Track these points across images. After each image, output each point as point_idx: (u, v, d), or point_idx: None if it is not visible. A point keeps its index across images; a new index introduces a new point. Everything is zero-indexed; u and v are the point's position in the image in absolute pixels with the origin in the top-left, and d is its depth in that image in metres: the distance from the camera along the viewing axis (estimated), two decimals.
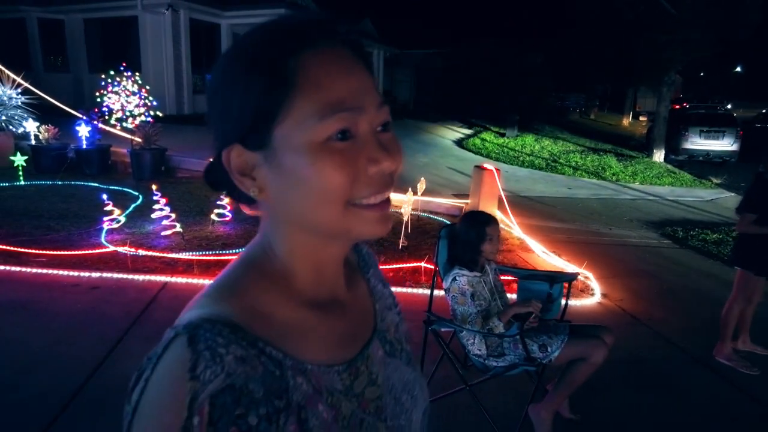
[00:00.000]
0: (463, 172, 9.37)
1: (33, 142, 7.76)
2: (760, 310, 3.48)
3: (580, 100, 30.65)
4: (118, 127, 8.20)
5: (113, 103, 8.16)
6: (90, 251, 4.44)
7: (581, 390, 2.41)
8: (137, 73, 8.98)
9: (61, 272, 4.05)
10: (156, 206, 5.06)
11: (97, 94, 8.25)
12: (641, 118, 28.46)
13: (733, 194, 10.15)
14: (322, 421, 0.51)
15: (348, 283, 0.64)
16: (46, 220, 5.32)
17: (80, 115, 7.74)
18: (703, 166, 13.87)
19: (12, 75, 8.30)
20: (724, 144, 14.07)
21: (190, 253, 4.41)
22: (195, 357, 0.45)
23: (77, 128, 7.51)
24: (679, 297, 4.51)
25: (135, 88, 8.35)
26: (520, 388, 2.74)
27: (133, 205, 5.96)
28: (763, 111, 19.65)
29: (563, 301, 2.69)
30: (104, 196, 5.09)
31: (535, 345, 2.35)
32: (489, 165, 6.50)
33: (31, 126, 7.75)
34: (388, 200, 0.53)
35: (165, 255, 4.42)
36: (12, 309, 3.47)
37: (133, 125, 7.93)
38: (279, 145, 0.50)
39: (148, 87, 8.76)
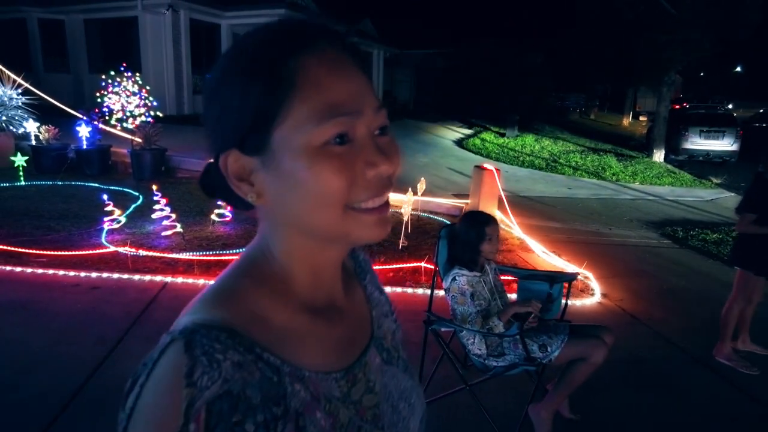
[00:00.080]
0: (463, 173, 9.37)
1: (33, 142, 7.78)
2: (759, 310, 3.48)
3: (580, 100, 30.66)
4: (119, 128, 8.21)
5: (114, 104, 8.16)
6: (90, 251, 4.44)
7: (581, 390, 2.41)
8: (137, 74, 8.99)
9: (61, 272, 4.06)
10: (156, 206, 5.07)
11: (98, 94, 8.25)
12: (641, 118, 28.46)
13: (733, 194, 10.15)
14: (320, 429, 0.50)
15: (345, 289, 0.63)
16: (46, 221, 5.33)
17: (80, 116, 7.75)
18: (703, 166, 13.87)
19: (12, 75, 8.31)
20: (724, 144, 14.07)
21: (191, 254, 4.42)
22: (192, 363, 0.44)
23: (77, 128, 7.52)
24: (679, 297, 4.51)
25: (135, 89, 8.36)
26: (520, 387, 2.74)
27: (133, 206, 5.96)
28: (761, 111, 19.63)
29: (563, 301, 2.70)
30: (105, 197, 5.10)
31: (535, 345, 2.36)
32: (489, 165, 6.50)
33: (31, 126, 7.76)
34: (386, 203, 0.53)
35: (165, 255, 4.42)
36: (12, 309, 3.48)
37: (134, 125, 7.94)
38: (277, 149, 0.49)
39: (148, 87, 8.76)
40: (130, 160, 7.55)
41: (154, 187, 5.17)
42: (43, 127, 7.72)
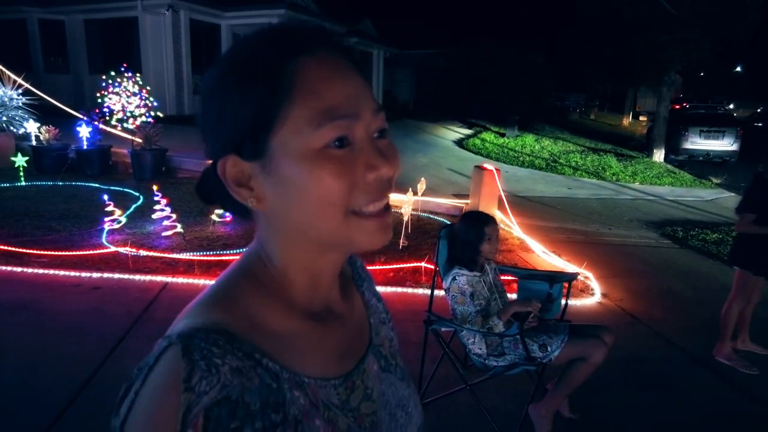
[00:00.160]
0: (464, 173, 9.38)
1: (34, 142, 7.78)
2: (759, 309, 3.49)
3: (580, 100, 30.66)
4: (119, 128, 8.22)
5: (114, 104, 8.17)
6: (91, 251, 4.45)
7: (581, 389, 2.42)
8: (138, 74, 9.00)
9: (62, 272, 4.06)
10: (157, 207, 5.08)
11: (98, 94, 8.26)
12: (641, 118, 28.46)
13: (733, 194, 10.15)
14: None
15: (343, 295, 0.63)
16: (47, 221, 5.33)
17: (81, 116, 7.76)
18: (703, 166, 13.87)
19: (13, 76, 8.32)
20: (724, 144, 14.07)
21: (191, 254, 4.42)
22: (190, 367, 0.43)
23: (78, 129, 7.53)
24: (679, 297, 4.52)
25: (136, 89, 8.37)
26: (520, 387, 2.75)
27: (134, 206, 5.97)
28: (758, 110, 19.62)
29: (563, 301, 2.70)
30: (105, 197, 5.11)
31: (535, 344, 2.36)
32: (489, 165, 6.51)
33: (31, 127, 7.76)
34: (388, 207, 0.53)
35: (166, 255, 4.43)
36: (13, 309, 3.48)
37: (134, 126, 7.94)
38: (275, 153, 0.49)
39: (148, 88, 8.77)
40: (130, 160, 7.56)
41: (155, 188, 5.18)
42: (44, 127, 7.72)
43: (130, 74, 8.39)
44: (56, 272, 4.06)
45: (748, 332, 3.51)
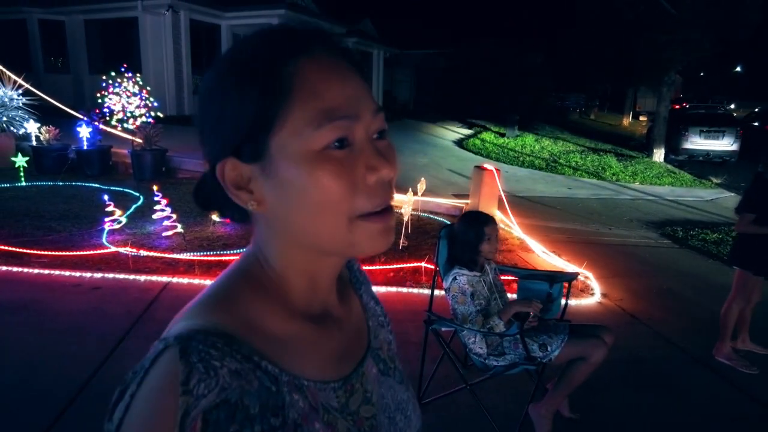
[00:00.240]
0: (463, 173, 9.38)
1: (34, 143, 7.78)
2: (759, 309, 3.49)
3: (580, 100, 30.66)
4: (119, 128, 8.22)
5: (114, 104, 8.17)
6: (91, 252, 4.45)
7: (581, 389, 2.42)
8: (138, 74, 9.00)
9: (62, 273, 4.06)
10: (157, 207, 5.08)
11: (99, 95, 8.27)
12: (641, 118, 28.46)
13: (733, 194, 10.16)
14: None
15: (341, 298, 0.62)
16: (47, 221, 5.34)
17: (81, 116, 7.76)
18: (703, 166, 13.88)
19: (13, 76, 8.32)
20: (724, 144, 14.08)
21: (191, 254, 4.43)
22: (188, 370, 0.43)
23: (78, 129, 7.53)
24: (678, 297, 4.52)
25: (136, 89, 8.37)
26: (520, 387, 2.75)
27: (134, 206, 5.97)
28: (755, 110, 19.60)
29: (563, 301, 2.71)
30: (105, 197, 5.11)
31: (535, 344, 2.36)
32: (489, 165, 6.51)
33: (32, 127, 7.76)
34: (390, 209, 0.52)
35: (166, 255, 4.43)
36: (14, 309, 3.49)
37: (134, 126, 7.95)
38: (275, 155, 0.48)
39: (148, 88, 8.77)
40: (130, 160, 7.56)
41: (155, 188, 5.18)
42: (44, 127, 7.72)
43: (130, 74, 8.40)
44: (56, 272, 4.06)
45: (748, 332, 3.51)
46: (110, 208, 5.03)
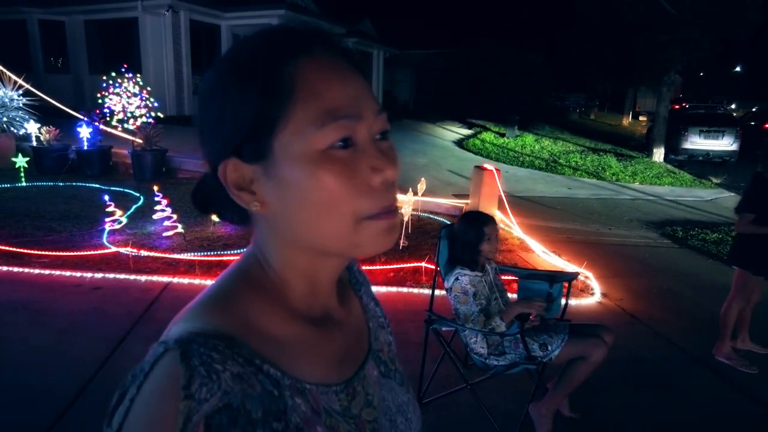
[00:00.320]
0: (463, 174, 9.38)
1: (34, 143, 7.79)
2: (758, 309, 3.49)
3: (580, 100, 30.65)
4: (120, 129, 8.22)
5: (115, 105, 8.18)
6: (92, 252, 4.46)
7: (581, 389, 2.42)
8: (138, 75, 9.01)
9: (63, 273, 4.07)
10: (157, 207, 5.08)
11: (99, 95, 8.27)
12: (641, 118, 28.46)
13: (732, 194, 10.16)
14: None
15: (341, 300, 0.62)
16: (48, 221, 5.34)
17: (81, 117, 7.77)
18: (702, 166, 13.88)
19: (13, 76, 8.33)
20: (724, 144, 14.08)
21: (192, 254, 4.43)
22: (189, 373, 0.42)
23: (78, 129, 7.54)
24: (678, 297, 4.52)
25: (136, 90, 8.38)
26: (520, 386, 2.76)
27: (134, 206, 5.98)
28: (753, 110, 19.60)
29: (563, 301, 2.71)
30: (106, 197, 5.11)
31: (535, 344, 2.37)
32: (489, 165, 6.52)
33: (32, 127, 7.77)
34: (395, 210, 0.51)
35: (167, 255, 4.44)
36: (14, 309, 3.49)
37: (135, 126, 7.95)
38: (278, 156, 0.48)
39: (149, 88, 8.78)
40: (131, 160, 7.56)
41: (155, 188, 5.18)
42: (44, 128, 7.73)
43: (130, 75, 8.40)
44: (57, 272, 4.07)
45: (748, 331, 3.52)
46: (111, 209, 5.03)
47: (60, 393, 2.59)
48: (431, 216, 6.44)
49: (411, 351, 2.96)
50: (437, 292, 2.71)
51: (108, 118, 8.19)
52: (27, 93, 8.46)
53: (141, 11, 12.62)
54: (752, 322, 3.50)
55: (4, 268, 4.08)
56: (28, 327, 3.27)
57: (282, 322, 0.52)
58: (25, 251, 4.36)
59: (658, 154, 14.37)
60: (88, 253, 4.43)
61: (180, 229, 4.96)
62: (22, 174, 7.00)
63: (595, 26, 15.97)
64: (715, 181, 11.90)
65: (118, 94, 8.20)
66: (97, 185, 7.02)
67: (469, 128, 17.82)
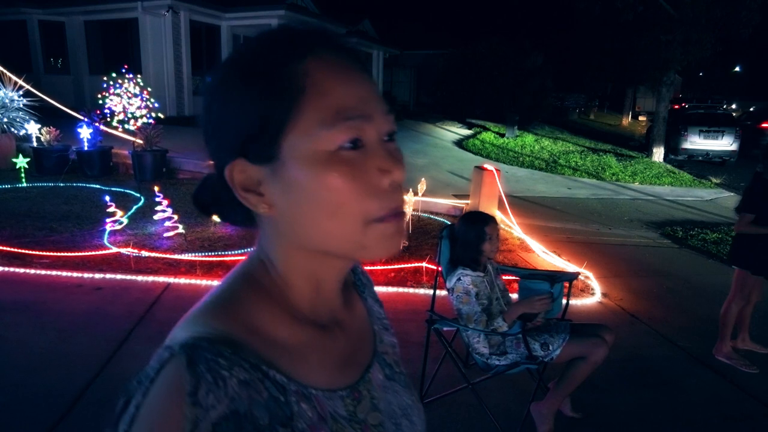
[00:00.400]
0: (463, 174, 9.39)
1: (35, 144, 7.79)
2: (758, 309, 3.50)
3: (580, 100, 30.65)
4: (120, 129, 8.23)
5: (115, 105, 8.18)
6: (93, 252, 4.46)
7: (582, 388, 2.43)
8: (138, 75, 9.01)
9: (64, 273, 4.07)
10: (158, 207, 5.09)
11: (99, 96, 8.28)
12: (641, 118, 28.49)
13: (732, 194, 10.17)
14: None
15: (345, 303, 0.61)
16: (48, 222, 5.35)
17: (82, 117, 7.77)
18: (702, 166, 13.89)
19: (13, 77, 8.33)
20: (724, 144, 14.09)
21: (193, 254, 4.44)
22: (195, 380, 0.41)
23: (79, 130, 7.54)
24: (679, 296, 4.53)
25: (137, 90, 8.38)
26: (521, 386, 2.76)
27: (135, 207, 5.98)
28: (750, 109, 19.62)
29: (564, 301, 2.72)
30: (106, 198, 5.11)
31: (536, 344, 2.38)
32: (489, 165, 6.52)
33: (32, 128, 7.78)
34: (402, 212, 0.51)
35: (168, 256, 4.44)
36: (16, 310, 3.50)
37: (135, 127, 7.96)
38: (286, 157, 0.47)
39: (149, 89, 8.78)
40: (131, 161, 7.57)
41: (156, 189, 5.19)
42: (45, 128, 7.73)
43: (130, 75, 8.41)
44: (58, 273, 4.07)
45: (748, 331, 3.53)
46: (111, 209, 5.04)
47: (61, 393, 2.59)
48: (431, 216, 6.44)
49: (412, 351, 2.97)
50: (438, 292, 2.72)
51: (108, 119, 8.19)
52: (27, 94, 8.47)
53: (141, 12, 12.62)
54: (752, 322, 3.51)
55: (6, 269, 4.08)
56: (29, 327, 3.28)
57: (287, 325, 0.52)
58: (26, 252, 4.36)
59: (658, 154, 14.38)
60: (89, 253, 4.44)
61: (181, 229, 4.97)
62: (23, 175, 7.00)
63: (595, 26, 15.99)
64: (714, 180, 11.91)
65: (118, 95, 8.20)
66: (98, 186, 7.03)
67: (469, 128, 17.82)
